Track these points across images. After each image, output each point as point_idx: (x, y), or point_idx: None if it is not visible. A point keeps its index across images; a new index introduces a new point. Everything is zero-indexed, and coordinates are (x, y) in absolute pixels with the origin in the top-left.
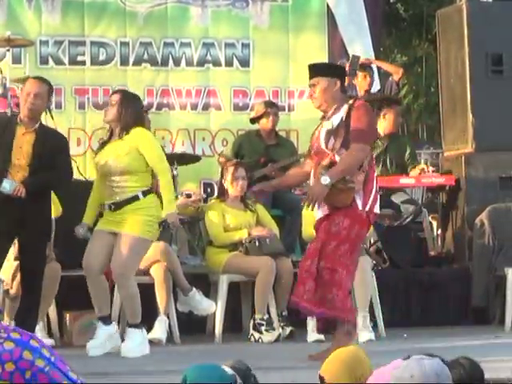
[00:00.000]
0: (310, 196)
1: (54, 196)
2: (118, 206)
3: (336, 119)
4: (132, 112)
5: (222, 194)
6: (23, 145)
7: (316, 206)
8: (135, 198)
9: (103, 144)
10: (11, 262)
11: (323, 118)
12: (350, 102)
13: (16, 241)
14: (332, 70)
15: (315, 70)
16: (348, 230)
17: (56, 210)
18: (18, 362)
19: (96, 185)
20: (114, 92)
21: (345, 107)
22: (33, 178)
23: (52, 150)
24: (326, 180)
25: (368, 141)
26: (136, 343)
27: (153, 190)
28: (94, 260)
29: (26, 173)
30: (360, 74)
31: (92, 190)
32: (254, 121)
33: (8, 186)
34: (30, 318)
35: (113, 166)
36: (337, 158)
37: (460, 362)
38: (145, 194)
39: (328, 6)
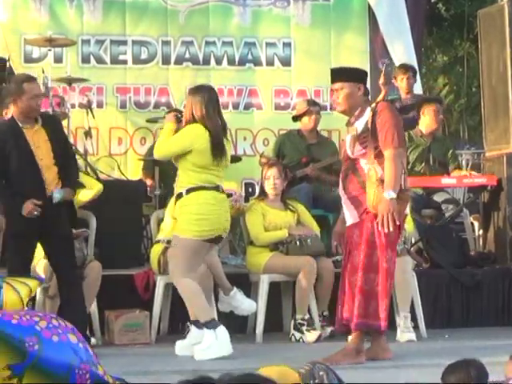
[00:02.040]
0: (381, 216)
1: (87, 178)
2: (175, 203)
3: (360, 124)
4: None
5: (263, 193)
6: (40, 144)
7: (390, 223)
8: (179, 196)
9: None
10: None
11: (348, 123)
12: (373, 105)
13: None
14: (356, 75)
15: (339, 75)
16: (386, 236)
17: (95, 187)
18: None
19: None
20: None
21: (368, 111)
22: (69, 177)
23: (59, 132)
24: (390, 194)
25: (400, 144)
26: (205, 345)
27: (206, 187)
28: None
29: (54, 171)
30: (400, 77)
31: None
32: (296, 119)
33: (59, 195)
34: (80, 313)
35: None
36: (361, 163)
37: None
38: (188, 191)
39: (369, 5)
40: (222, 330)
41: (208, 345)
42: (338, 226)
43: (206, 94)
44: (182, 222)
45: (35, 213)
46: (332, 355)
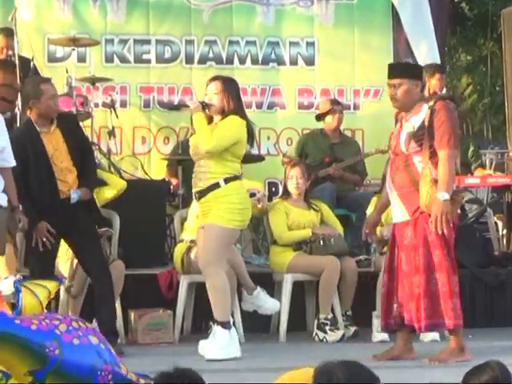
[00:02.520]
0: (435, 217)
1: (110, 176)
2: (201, 194)
3: (417, 121)
4: (231, 97)
5: (286, 193)
6: (58, 146)
7: (444, 224)
8: (216, 186)
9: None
10: (70, 259)
11: (398, 118)
12: (431, 103)
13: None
14: (415, 72)
15: (398, 71)
16: (442, 235)
17: (119, 185)
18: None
19: None
20: (214, 79)
21: (425, 108)
22: (87, 177)
23: (75, 131)
24: (444, 196)
25: (455, 145)
26: (219, 345)
27: (239, 177)
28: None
29: (74, 173)
30: (437, 76)
31: None
32: (319, 118)
33: (76, 195)
34: (110, 309)
35: (196, 148)
36: (414, 160)
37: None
38: (226, 181)
39: (393, 5)
40: (234, 332)
41: (222, 345)
42: (373, 217)
43: (238, 85)
44: (223, 211)
45: (44, 239)
46: (438, 354)
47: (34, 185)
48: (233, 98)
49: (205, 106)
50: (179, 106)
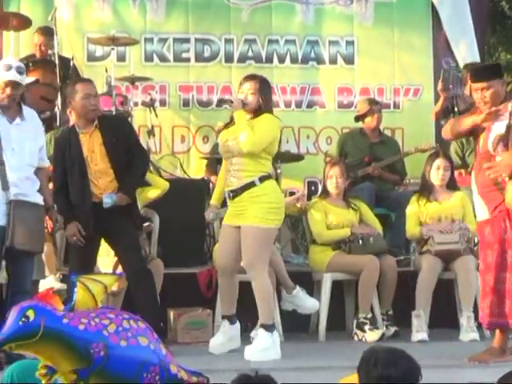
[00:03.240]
0: (498, 166)
1: (153, 176)
2: (235, 193)
3: (504, 121)
4: (267, 98)
5: (325, 192)
6: (95, 148)
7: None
8: (251, 185)
9: (229, 123)
10: (111, 257)
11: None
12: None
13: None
14: (499, 71)
15: (484, 74)
16: None
17: (162, 186)
18: (146, 323)
19: (223, 166)
20: (250, 78)
21: (509, 107)
22: (126, 182)
23: (123, 135)
24: None
25: None
26: (261, 347)
27: (272, 176)
28: (225, 260)
29: (110, 176)
30: None
31: (220, 171)
32: (358, 119)
33: (110, 200)
34: (155, 315)
35: (231, 146)
36: (498, 160)
37: None
38: (261, 179)
39: (432, 4)
40: (276, 336)
41: (264, 347)
42: None
43: (270, 86)
44: (260, 211)
45: (74, 238)
46: (478, 354)
47: (69, 186)
48: (267, 98)
49: (244, 104)
50: (225, 101)
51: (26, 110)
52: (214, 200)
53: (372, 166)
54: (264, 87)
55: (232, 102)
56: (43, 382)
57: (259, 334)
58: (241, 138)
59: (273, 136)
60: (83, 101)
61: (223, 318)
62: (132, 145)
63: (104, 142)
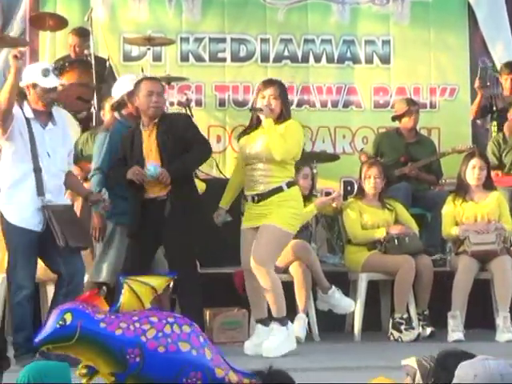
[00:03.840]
0: None
1: None
2: (261, 197)
3: None
4: (287, 102)
5: (360, 192)
6: (152, 147)
7: None
8: (279, 190)
9: (249, 128)
10: None
11: None
12: None
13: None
14: None
15: None
16: None
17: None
18: (192, 326)
19: (237, 169)
20: (271, 83)
21: None
22: (174, 164)
23: (177, 133)
24: None
25: None
26: (277, 342)
27: (295, 181)
28: (249, 264)
29: (158, 165)
30: (504, 77)
31: (231, 174)
32: (395, 118)
33: (152, 169)
34: (194, 308)
35: (259, 152)
36: None
37: None
38: (288, 185)
39: (469, 3)
40: (291, 327)
41: (279, 342)
42: None
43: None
44: (285, 215)
45: (137, 176)
46: None
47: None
48: (288, 103)
49: (271, 110)
50: (258, 109)
51: (56, 113)
52: (224, 203)
53: (409, 166)
54: (284, 92)
55: (262, 110)
56: (83, 381)
57: (274, 329)
58: (273, 147)
59: (301, 143)
60: (145, 98)
61: (256, 321)
62: (190, 140)
63: (157, 140)
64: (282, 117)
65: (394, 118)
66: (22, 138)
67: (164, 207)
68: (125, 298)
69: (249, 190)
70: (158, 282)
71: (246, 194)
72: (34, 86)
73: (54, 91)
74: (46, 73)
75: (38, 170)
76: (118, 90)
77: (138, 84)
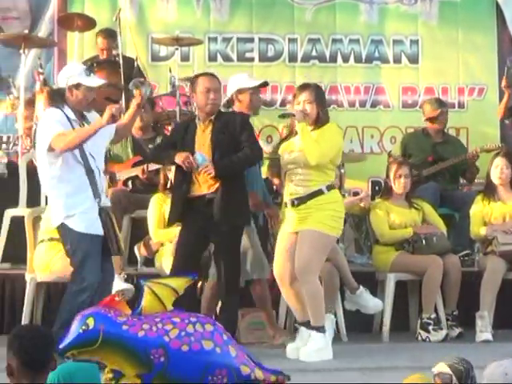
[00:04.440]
0: None
1: None
2: (301, 200)
3: None
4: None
5: (388, 192)
6: (205, 141)
7: None
8: (319, 193)
9: (290, 134)
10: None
11: None
12: None
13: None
14: None
15: None
16: None
17: None
18: (215, 325)
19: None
20: (306, 88)
21: None
22: (223, 160)
23: (232, 132)
24: None
25: None
26: (315, 347)
27: (335, 185)
28: (283, 269)
29: (206, 156)
30: None
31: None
32: (427, 120)
33: (200, 158)
34: (231, 320)
35: (296, 157)
36: None
37: None
38: (328, 188)
39: (497, 3)
40: (328, 335)
41: (318, 347)
42: None
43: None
44: (326, 218)
45: (186, 163)
46: None
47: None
48: (324, 106)
49: (305, 115)
50: (288, 115)
51: (86, 113)
52: None
53: (436, 166)
54: (319, 95)
55: (294, 115)
56: None
57: (312, 336)
58: (308, 153)
59: (338, 147)
60: (202, 94)
61: (299, 324)
62: (243, 141)
63: (211, 137)
64: (320, 121)
65: (427, 120)
66: None
67: (213, 205)
68: (146, 300)
69: (288, 195)
70: (179, 283)
71: (284, 200)
72: (78, 86)
73: (94, 90)
74: (88, 72)
75: (90, 172)
76: (233, 87)
77: (195, 80)
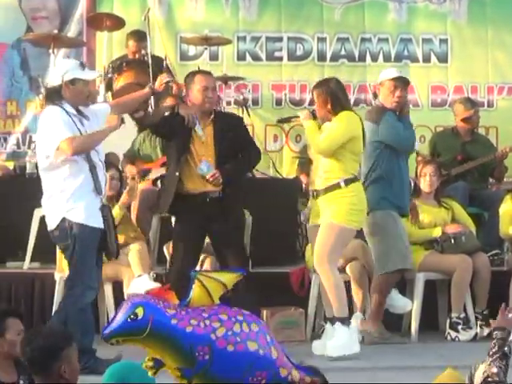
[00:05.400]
0: None
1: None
2: (319, 193)
3: None
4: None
5: (417, 191)
6: (206, 139)
7: None
8: (336, 187)
9: None
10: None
11: None
12: None
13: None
14: None
15: None
16: None
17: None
18: (260, 324)
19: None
20: (313, 89)
21: None
22: (228, 166)
23: (233, 133)
24: None
25: None
26: (340, 341)
27: (357, 178)
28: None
29: (211, 165)
30: None
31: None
32: (461, 121)
33: (205, 168)
34: (254, 301)
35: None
36: None
37: None
38: (347, 182)
39: None
40: (353, 328)
41: (343, 341)
42: None
43: (338, 84)
44: (342, 211)
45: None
46: None
47: (171, 173)
48: (337, 98)
49: (314, 114)
50: (289, 119)
51: (82, 108)
52: None
53: (466, 165)
54: (325, 91)
55: (292, 118)
56: (149, 373)
57: (336, 329)
58: (310, 141)
59: (346, 133)
60: (199, 93)
61: (325, 320)
62: (245, 142)
63: (214, 136)
64: (332, 113)
65: (461, 120)
66: None
67: (216, 204)
68: (195, 293)
69: (311, 185)
70: (228, 277)
71: (310, 190)
72: (74, 81)
73: (90, 84)
74: (82, 66)
75: (93, 168)
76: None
77: (190, 77)
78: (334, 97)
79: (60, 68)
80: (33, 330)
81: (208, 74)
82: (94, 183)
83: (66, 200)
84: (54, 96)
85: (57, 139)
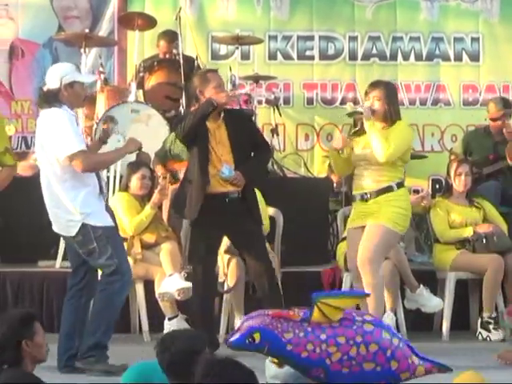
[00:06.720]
0: None
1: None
2: (371, 195)
3: None
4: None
5: (448, 190)
6: (222, 140)
7: None
8: (389, 189)
9: (359, 130)
10: (221, 254)
11: None
12: None
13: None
14: None
15: None
16: None
17: None
18: (380, 342)
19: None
20: (376, 85)
21: None
22: (247, 167)
23: (245, 130)
24: None
25: None
26: None
27: (404, 182)
28: (354, 264)
29: (232, 167)
30: None
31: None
32: (491, 120)
33: (227, 171)
34: (281, 300)
35: (366, 154)
36: None
37: None
38: (398, 185)
39: None
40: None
41: None
42: None
43: (396, 90)
44: (393, 214)
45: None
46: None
47: (191, 174)
48: (394, 104)
49: (373, 112)
50: (355, 113)
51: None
52: None
53: (498, 164)
54: (390, 93)
55: (361, 112)
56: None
57: None
58: (376, 150)
59: (407, 145)
60: (215, 90)
61: None
62: (257, 139)
63: (229, 135)
64: (389, 118)
65: (490, 119)
66: None
67: (235, 204)
68: (315, 315)
69: (357, 189)
70: (347, 302)
71: (354, 194)
72: (72, 84)
73: (87, 87)
74: (79, 69)
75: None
76: None
77: (203, 76)
78: (396, 102)
79: (58, 71)
80: (167, 334)
81: (216, 71)
82: (99, 184)
83: (79, 206)
84: (51, 98)
85: (68, 148)
